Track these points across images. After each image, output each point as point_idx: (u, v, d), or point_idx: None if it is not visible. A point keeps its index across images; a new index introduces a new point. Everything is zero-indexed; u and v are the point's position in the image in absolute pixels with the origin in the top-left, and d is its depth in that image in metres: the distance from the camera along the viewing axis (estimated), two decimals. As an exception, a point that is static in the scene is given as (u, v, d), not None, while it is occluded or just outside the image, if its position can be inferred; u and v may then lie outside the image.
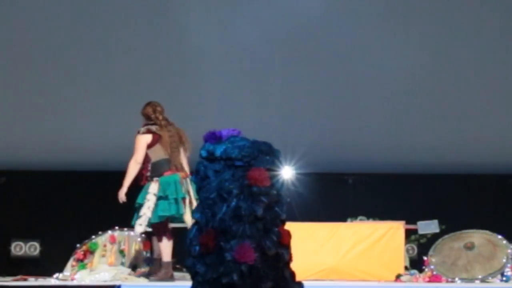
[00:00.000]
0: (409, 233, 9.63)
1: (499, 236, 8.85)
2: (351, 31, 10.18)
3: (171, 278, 7.98)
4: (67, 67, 10.28)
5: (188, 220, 7.84)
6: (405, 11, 10.14)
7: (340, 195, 10.89)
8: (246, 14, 10.08)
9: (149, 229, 8.21)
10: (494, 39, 10.28)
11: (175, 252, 8.36)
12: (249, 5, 10.09)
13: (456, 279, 8.60)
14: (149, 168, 8.08)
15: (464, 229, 9.02)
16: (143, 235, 8.79)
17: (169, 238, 8.02)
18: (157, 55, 10.31)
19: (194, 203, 7.79)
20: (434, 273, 8.71)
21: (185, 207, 7.94)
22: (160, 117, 8.18)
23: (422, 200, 10.67)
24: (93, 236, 8.74)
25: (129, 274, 8.30)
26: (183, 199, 7.94)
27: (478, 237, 8.88)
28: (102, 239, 8.67)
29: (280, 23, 10.10)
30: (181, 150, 8.16)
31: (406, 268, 9.10)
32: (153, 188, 8.00)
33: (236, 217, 4.46)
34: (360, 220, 9.83)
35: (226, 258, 4.41)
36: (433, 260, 8.84)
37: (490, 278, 8.60)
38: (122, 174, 11.02)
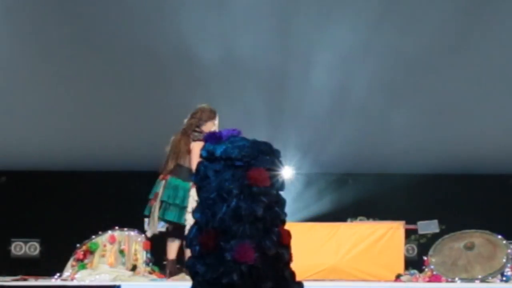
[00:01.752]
0: (409, 233, 9.64)
1: (499, 236, 8.85)
2: (349, 32, 10.18)
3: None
4: (67, 67, 10.28)
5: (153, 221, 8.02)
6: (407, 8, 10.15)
7: (340, 195, 10.90)
8: (244, 18, 10.08)
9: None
10: (495, 39, 10.28)
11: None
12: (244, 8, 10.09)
13: (456, 279, 8.60)
14: None
15: (464, 229, 9.03)
16: (143, 235, 8.81)
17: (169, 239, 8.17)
18: (158, 56, 10.31)
19: (157, 206, 7.94)
20: (434, 273, 8.71)
21: (150, 208, 8.05)
22: (184, 123, 8.13)
23: (422, 200, 10.69)
24: (93, 236, 8.74)
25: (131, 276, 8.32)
26: (150, 200, 8.07)
27: (478, 237, 8.88)
28: (102, 239, 8.67)
29: (275, 28, 10.11)
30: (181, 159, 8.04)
31: None
32: None
33: (236, 217, 4.46)
34: (360, 220, 9.84)
35: (226, 258, 4.40)
36: (433, 260, 8.84)
37: (490, 278, 8.60)
38: (122, 174, 11.07)
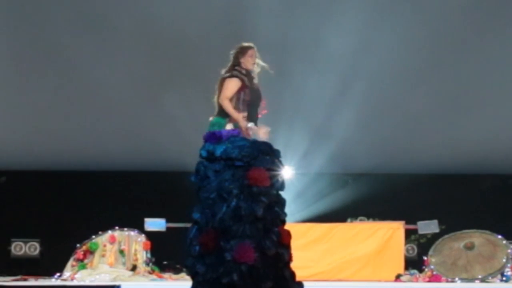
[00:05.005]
0: (409, 233, 9.64)
1: (499, 236, 8.86)
2: (350, 31, 10.18)
3: None
4: (67, 68, 10.27)
5: None
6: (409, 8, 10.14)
7: (340, 195, 10.89)
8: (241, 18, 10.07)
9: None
10: (495, 39, 10.27)
11: (175, 252, 8.38)
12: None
13: (456, 279, 8.61)
14: None
15: (464, 229, 9.03)
16: (143, 235, 8.81)
17: None
18: (157, 54, 10.30)
19: None
20: (434, 273, 8.72)
21: None
22: None
23: (422, 200, 10.68)
24: (93, 236, 8.75)
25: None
26: None
27: (478, 237, 8.89)
28: (102, 239, 8.68)
29: (273, 27, 10.10)
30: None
31: None
32: None
33: (236, 217, 4.46)
34: (360, 220, 9.84)
35: (226, 258, 4.40)
36: (433, 260, 8.84)
37: (490, 278, 8.60)
38: (122, 174, 11.06)
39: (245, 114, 7.49)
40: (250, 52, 7.58)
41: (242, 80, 7.46)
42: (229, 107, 7.37)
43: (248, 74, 7.54)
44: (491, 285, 8.46)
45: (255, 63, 7.53)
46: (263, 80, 7.85)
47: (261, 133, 7.33)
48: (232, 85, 7.43)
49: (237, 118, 7.34)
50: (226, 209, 4.47)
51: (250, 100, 7.46)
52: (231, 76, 7.37)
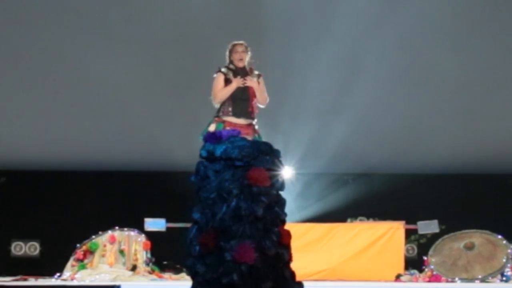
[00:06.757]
0: (409, 233, 9.65)
1: (499, 236, 8.86)
2: (348, 30, 10.17)
3: None
4: (66, 67, 10.27)
5: None
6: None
7: (340, 195, 10.90)
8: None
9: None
10: (495, 41, 10.28)
11: (175, 252, 8.38)
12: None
13: (456, 279, 8.61)
14: None
15: (464, 229, 9.03)
16: (143, 235, 8.81)
17: None
18: (159, 53, 10.30)
19: None
20: (434, 273, 8.72)
21: None
22: None
23: (422, 200, 10.68)
24: (93, 236, 8.75)
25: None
26: None
27: (478, 237, 8.88)
28: (102, 239, 8.68)
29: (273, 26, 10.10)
30: None
31: None
32: None
33: (236, 217, 4.46)
34: (360, 220, 9.85)
35: (226, 258, 4.40)
36: (433, 260, 8.84)
37: (490, 278, 8.60)
38: (122, 174, 11.07)
39: (230, 108, 7.62)
40: (234, 48, 7.73)
41: (224, 74, 7.61)
42: (222, 93, 7.53)
43: (238, 70, 7.64)
44: (491, 285, 8.46)
45: (241, 59, 7.66)
46: (265, 80, 7.88)
47: (249, 81, 7.58)
48: (215, 82, 7.63)
49: (232, 87, 7.53)
50: (226, 209, 4.47)
51: (233, 94, 7.58)
52: (218, 71, 7.58)
